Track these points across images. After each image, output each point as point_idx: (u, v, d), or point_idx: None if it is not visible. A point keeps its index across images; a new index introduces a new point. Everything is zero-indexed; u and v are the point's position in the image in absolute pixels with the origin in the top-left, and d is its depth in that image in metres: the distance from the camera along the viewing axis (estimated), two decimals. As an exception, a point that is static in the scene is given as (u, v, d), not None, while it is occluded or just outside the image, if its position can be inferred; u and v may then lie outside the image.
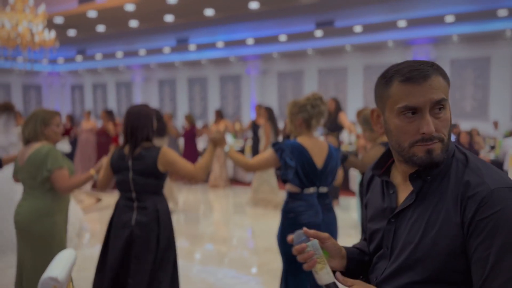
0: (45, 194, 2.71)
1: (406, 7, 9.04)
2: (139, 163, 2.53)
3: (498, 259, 0.91)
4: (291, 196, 2.62)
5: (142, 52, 13.85)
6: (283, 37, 11.59)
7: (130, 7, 8.35)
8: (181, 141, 9.38)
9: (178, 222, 5.99)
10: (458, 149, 1.06)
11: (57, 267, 1.66)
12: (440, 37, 11.13)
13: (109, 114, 8.36)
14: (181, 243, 4.99)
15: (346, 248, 1.23)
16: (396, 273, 1.05)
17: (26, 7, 6.76)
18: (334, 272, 1.08)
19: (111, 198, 7.84)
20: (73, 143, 8.86)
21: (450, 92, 11.79)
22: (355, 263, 1.22)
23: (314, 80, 13.81)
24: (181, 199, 7.48)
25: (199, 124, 13.45)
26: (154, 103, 16.91)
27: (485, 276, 0.92)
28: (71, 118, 10.55)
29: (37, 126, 2.73)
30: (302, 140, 2.59)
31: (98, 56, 14.66)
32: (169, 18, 9.37)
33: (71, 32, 10.86)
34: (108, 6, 8.35)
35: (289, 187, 2.63)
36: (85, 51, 14.06)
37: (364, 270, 1.23)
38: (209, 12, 8.86)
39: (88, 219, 6.08)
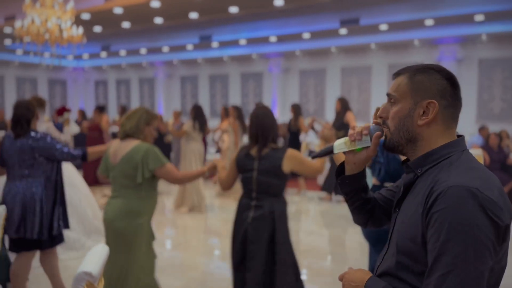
0: (137, 194, 2.69)
1: (434, 6, 8.84)
2: (265, 163, 2.61)
3: (440, 253, 0.97)
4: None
5: (165, 49, 13.96)
6: (306, 35, 11.50)
7: (155, 4, 8.41)
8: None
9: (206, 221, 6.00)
10: (458, 155, 1.10)
11: (91, 262, 1.68)
12: (468, 36, 10.86)
13: (100, 110, 8.48)
14: (213, 242, 4.99)
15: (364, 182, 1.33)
16: (386, 259, 1.16)
17: (55, 3, 6.88)
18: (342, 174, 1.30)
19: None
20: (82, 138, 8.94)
21: (478, 92, 11.54)
22: (359, 191, 1.33)
23: (336, 78, 13.67)
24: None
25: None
26: (176, 100, 17.03)
27: (430, 267, 0.99)
28: (82, 113, 10.64)
29: (140, 123, 2.74)
30: None
31: (122, 52, 14.85)
32: (193, 15, 9.41)
33: (97, 29, 11.01)
34: (134, 2, 8.43)
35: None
36: (109, 47, 14.25)
37: (363, 207, 1.35)
38: (233, 9, 8.85)
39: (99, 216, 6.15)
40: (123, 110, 10.36)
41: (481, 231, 0.94)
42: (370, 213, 1.36)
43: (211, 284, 3.83)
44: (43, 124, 4.72)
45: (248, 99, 15.25)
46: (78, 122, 9.19)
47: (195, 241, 5.19)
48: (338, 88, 13.57)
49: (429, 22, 9.79)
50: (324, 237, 5.45)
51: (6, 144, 2.98)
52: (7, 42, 12.72)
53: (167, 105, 16.70)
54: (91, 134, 8.43)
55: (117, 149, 2.73)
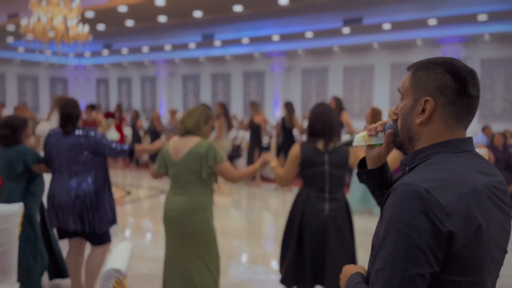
0: (202, 189, 2.77)
1: (437, 6, 8.86)
2: (335, 157, 2.72)
3: (379, 249, 0.96)
4: None
5: (167, 47, 13.95)
6: (309, 34, 11.51)
7: (160, 2, 8.41)
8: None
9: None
10: (444, 156, 1.02)
11: (119, 259, 1.69)
12: (471, 36, 10.89)
13: (91, 108, 8.52)
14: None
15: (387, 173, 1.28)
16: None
17: (60, 1, 6.88)
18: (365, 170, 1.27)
19: (140, 191, 7.95)
20: None
21: (480, 92, 11.52)
22: (381, 186, 1.28)
23: (339, 78, 13.69)
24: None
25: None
26: (177, 98, 17.04)
27: (372, 260, 0.99)
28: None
29: (200, 121, 2.81)
30: None
31: (124, 50, 14.84)
32: (197, 13, 9.41)
33: (100, 27, 11.00)
34: (139, 1, 8.43)
35: None
36: (111, 45, 14.24)
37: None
38: (238, 8, 8.86)
39: (119, 212, 6.17)
40: (118, 107, 10.31)
41: (417, 232, 0.89)
42: None
43: (224, 280, 3.86)
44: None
45: (250, 97, 15.26)
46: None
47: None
48: (340, 87, 13.59)
49: (432, 21, 9.81)
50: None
51: (54, 142, 3.02)
52: (9, 40, 12.70)
53: (168, 104, 16.70)
54: None
55: (178, 146, 2.78)
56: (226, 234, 5.16)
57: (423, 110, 1.04)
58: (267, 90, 15.06)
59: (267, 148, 9.07)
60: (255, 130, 8.18)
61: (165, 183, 8.40)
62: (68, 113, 3.02)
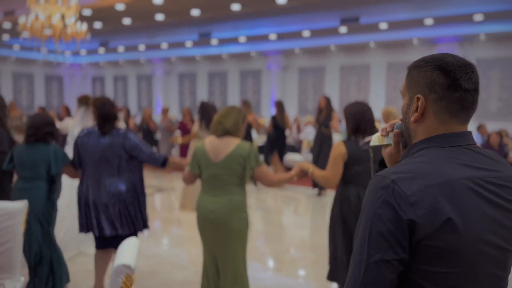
0: (241, 190, 2.77)
1: (434, 5, 8.92)
2: (378, 153, 2.68)
3: (355, 235, 1.02)
4: None
5: (164, 45, 13.93)
6: (306, 33, 11.54)
7: (158, 0, 8.40)
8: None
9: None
10: (428, 151, 1.04)
11: (129, 255, 1.71)
12: (467, 36, 10.97)
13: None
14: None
15: None
16: None
17: (58, -1, 6.86)
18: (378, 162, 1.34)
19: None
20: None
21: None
22: None
23: (335, 77, 13.74)
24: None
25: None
26: (174, 97, 17.02)
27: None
28: (67, 109, 10.38)
29: (239, 122, 2.79)
30: None
31: (120, 48, 14.79)
32: (195, 12, 9.41)
33: (97, 25, 10.97)
34: (137, -1, 8.42)
35: None
36: (107, 44, 14.19)
37: None
38: (236, 6, 8.86)
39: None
40: (127, 112, 10.38)
41: (381, 221, 0.95)
42: None
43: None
44: (90, 123, 4.64)
45: (247, 96, 15.27)
46: (61, 119, 9.20)
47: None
48: (337, 86, 13.64)
49: (428, 21, 9.87)
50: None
51: (88, 142, 2.97)
52: (5, 37, 12.63)
53: (165, 102, 16.68)
54: None
55: (217, 146, 2.74)
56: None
57: (417, 108, 1.06)
58: (263, 89, 15.08)
59: (262, 147, 9.08)
60: (247, 129, 8.18)
61: (162, 181, 8.41)
62: (106, 112, 2.97)
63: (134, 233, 3.02)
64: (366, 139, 1.39)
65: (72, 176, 3.13)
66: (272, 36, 12.06)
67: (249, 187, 7.85)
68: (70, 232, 4.09)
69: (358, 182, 2.73)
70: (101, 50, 15.26)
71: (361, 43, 12.29)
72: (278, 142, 8.11)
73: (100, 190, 2.93)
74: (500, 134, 6.89)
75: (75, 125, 4.63)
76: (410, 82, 1.08)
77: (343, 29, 10.95)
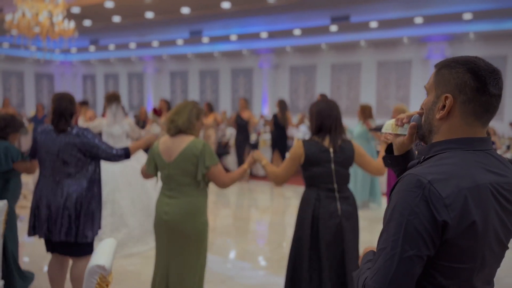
0: (197, 191, 2.60)
1: (423, 4, 8.97)
2: (341, 154, 2.60)
3: (383, 230, 1.07)
4: None
5: (155, 43, 13.87)
6: (297, 32, 11.54)
7: (147, -2, 8.37)
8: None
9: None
10: (455, 153, 1.09)
11: (103, 255, 1.70)
12: (456, 34, 11.03)
13: (85, 105, 8.45)
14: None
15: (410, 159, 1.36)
16: None
17: (46, -4, 6.80)
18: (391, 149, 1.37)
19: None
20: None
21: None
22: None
23: (326, 75, 13.76)
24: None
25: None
26: (165, 95, 16.94)
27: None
28: (42, 106, 10.18)
29: (192, 118, 2.61)
30: None
31: (111, 46, 14.70)
32: (185, 10, 9.37)
33: (86, 22, 10.89)
34: (126, -3, 8.37)
35: None
36: (98, 41, 14.09)
37: None
38: (225, 4, 8.84)
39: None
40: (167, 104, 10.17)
41: (418, 218, 1.00)
42: None
43: (211, 276, 3.88)
44: (124, 120, 4.59)
45: (239, 94, 15.26)
46: (41, 117, 9.14)
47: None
48: (328, 85, 13.67)
49: (418, 20, 9.92)
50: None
51: (44, 139, 2.75)
52: (-6, 35, 12.50)
53: (156, 101, 16.60)
54: None
55: (170, 146, 2.59)
56: (214, 230, 5.17)
57: (444, 106, 1.10)
58: (255, 87, 15.07)
59: (255, 146, 9.08)
60: (243, 126, 8.18)
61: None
62: (62, 108, 2.72)
63: (85, 240, 2.77)
64: (377, 125, 1.42)
65: (28, 172, 2.98)
66: (263, 35, 12.05)
67: (241, 186, 7.85)
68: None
69: (317, 184, 2.60)
70: (92, 48, 15.15)
71: (352, 41, 12.33)
72: (279, 140, 8.09)
73: (54, 190, 2.73)
74: (488, 132, 6.94)
75: (109, 123, 4.51)
76: (440, 80, 1.12)
77: (333, 28, 10.97)
